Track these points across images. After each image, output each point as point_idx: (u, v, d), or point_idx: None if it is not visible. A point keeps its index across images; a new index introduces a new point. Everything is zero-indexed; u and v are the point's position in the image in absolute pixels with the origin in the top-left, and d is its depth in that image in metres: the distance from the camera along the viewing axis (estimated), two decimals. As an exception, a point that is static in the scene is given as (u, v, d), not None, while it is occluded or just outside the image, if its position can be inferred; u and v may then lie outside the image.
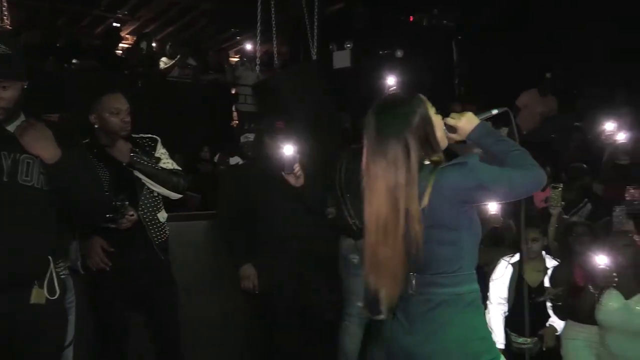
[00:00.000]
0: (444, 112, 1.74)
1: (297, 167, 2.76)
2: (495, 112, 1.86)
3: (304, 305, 3.10)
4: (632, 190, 3.54)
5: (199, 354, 3.12)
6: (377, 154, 1.60)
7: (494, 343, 1.70)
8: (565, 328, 3.08)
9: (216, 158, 5.73)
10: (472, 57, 6.55)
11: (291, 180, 2.82)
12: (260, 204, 3.07)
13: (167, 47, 7.43)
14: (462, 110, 1.83)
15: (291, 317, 3.05)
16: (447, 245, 1.59)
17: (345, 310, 3.27)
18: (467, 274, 1.62)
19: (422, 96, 1.68)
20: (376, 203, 1.60)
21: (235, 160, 4.75)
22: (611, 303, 2.84)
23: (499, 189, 1.60)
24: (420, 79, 5.23)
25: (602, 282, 2.79)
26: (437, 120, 1.68)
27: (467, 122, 1.73)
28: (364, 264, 1.67)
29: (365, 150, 1.65)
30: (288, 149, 2.74)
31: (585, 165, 4.43)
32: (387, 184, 1.58)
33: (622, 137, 4.38)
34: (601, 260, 2.74)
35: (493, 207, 3.04)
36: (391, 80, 4.06)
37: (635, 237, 3.06)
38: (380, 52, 5.83)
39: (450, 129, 1.75)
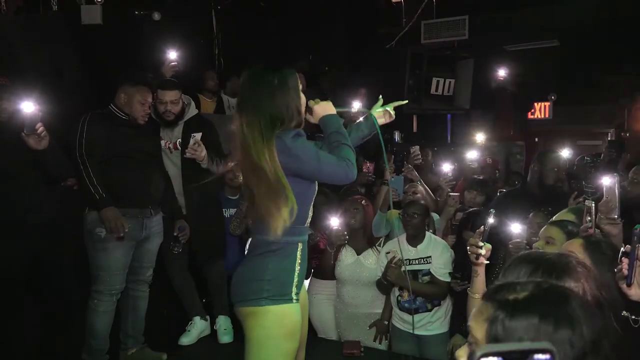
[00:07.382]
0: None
1: (40, 127, 2.44)
2: (354, 110, 2.12)
3: (41, 287, 2.77)
4: (369, 164, 4.07)
5: None
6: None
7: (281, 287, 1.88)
8: (309, 285, 3.42)
9: None
10: (230, 29, 6.60)
11: (32, 142, 2.49)
12: None
13: None
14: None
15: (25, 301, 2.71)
16: None
17: (93, 287, 2.99)
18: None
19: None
20: None
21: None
22: (346, 259, 3.26)
23: (309, 163, 1.83)
24: (179, 46, 5.04)
25: (335, 240, 3.21)
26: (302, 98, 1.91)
27: (321, 108, 1.96)
28: None
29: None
30: (28, 106, 2.40)
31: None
32: None
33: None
34: (334, 222, 3.11)
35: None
36: (172, 55, 3.76)
37: (364, 203, 3.54)
38: (136, 13, 5.42)
39: (309, 110, 1.96)
